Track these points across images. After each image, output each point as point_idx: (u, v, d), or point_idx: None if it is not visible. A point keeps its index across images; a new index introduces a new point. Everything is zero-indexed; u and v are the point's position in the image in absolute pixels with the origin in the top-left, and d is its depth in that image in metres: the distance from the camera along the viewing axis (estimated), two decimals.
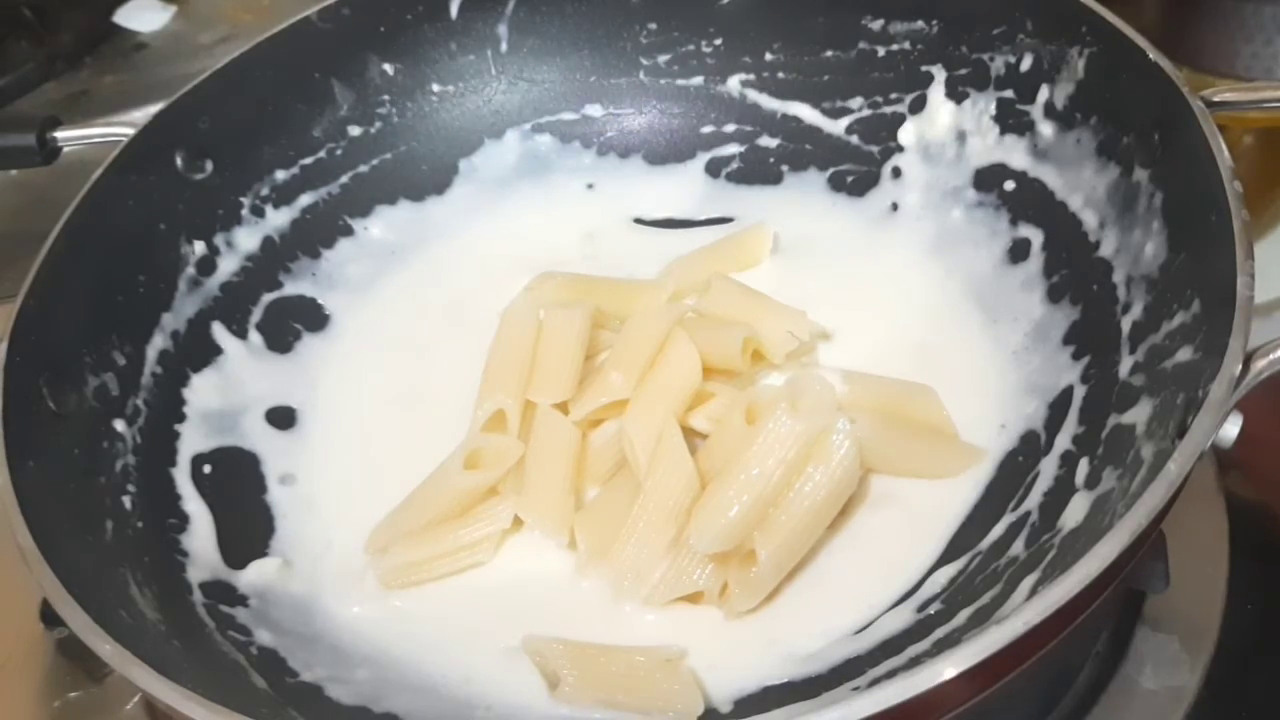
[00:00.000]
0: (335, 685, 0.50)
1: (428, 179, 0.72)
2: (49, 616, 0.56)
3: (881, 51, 0.67)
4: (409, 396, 0.63)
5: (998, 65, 0.63)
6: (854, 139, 0.69)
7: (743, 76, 0.71)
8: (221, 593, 0.53)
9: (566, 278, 0.64)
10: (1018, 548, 0.50)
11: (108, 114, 0.79)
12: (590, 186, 0.73)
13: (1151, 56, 0.53)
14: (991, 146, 0.64)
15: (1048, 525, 0.50)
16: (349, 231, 0.70)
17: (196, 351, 0.62)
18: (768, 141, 0.71)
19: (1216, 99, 0.51)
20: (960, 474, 0.54)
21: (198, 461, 0.59)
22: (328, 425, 0.63)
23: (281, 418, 0.62)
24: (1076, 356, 0.56)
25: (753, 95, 0.71)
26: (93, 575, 0.46)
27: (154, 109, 0.64)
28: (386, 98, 0.72)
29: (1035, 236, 0.61)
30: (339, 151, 0.70)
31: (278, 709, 0.48)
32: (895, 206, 0.67)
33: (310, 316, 0.67)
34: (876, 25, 0.67)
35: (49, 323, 0.54)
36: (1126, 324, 0.53)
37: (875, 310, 0.63)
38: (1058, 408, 0.55)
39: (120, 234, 0.60)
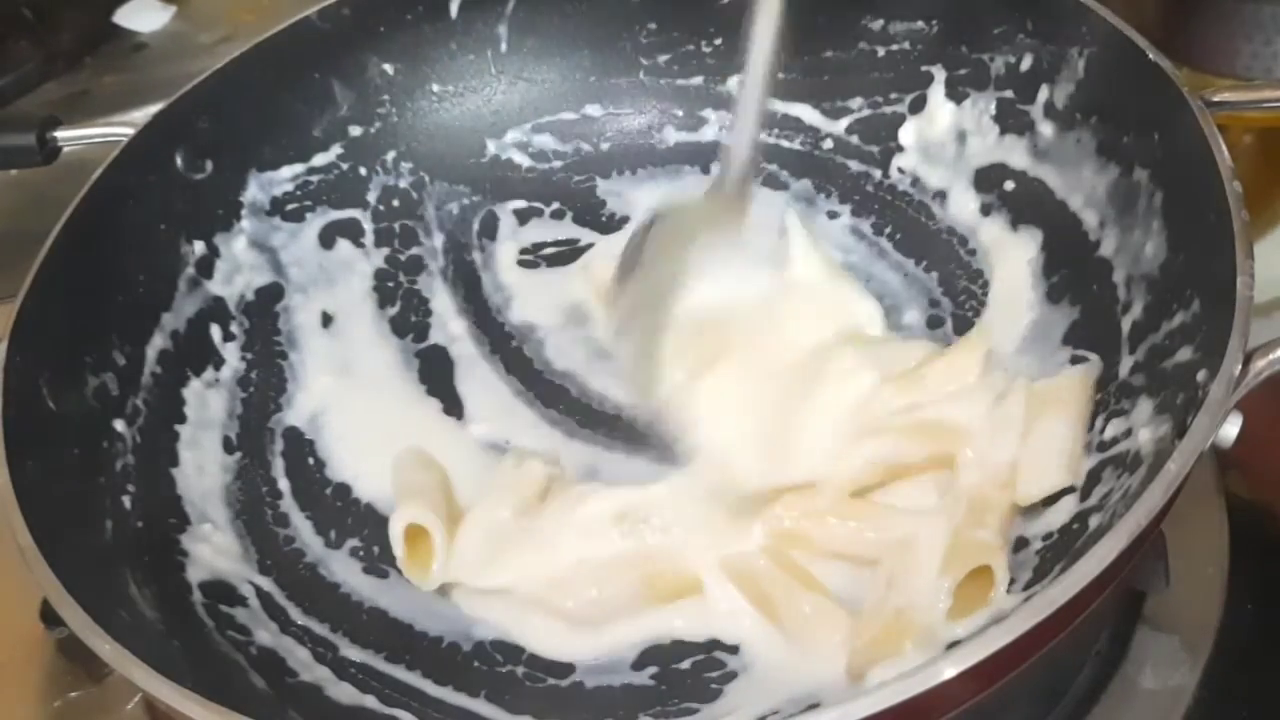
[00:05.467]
0: (334, 686, 0.50)
1: None
2: (49, 616, 0.56)
3: (881, 51, 0.67)
4: (411, 396, 0.63)
5: (998, 65, 0.63)
6: (854, 139, 0.69)
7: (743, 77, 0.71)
8: (221, 593, 0.53)
9: None
10: None
11: (108, 114, 0.79)
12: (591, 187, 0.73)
13: (1151, 56, 0.53)
14: (991, 146, 0.64)
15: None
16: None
17: (196, 352, 0.62)
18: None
19: (1216, 99, 0.51)
20: None
21: None
22: (329, 425, 0.62)
23: None
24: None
25: None
26: (93, 575, 0.46)
27: (154, 109, 0.64)
28: (386, 98, 0.72)
29: (1035, 236, 0.61)
30: (339, 151, 0.70)
31: (277, 709, 0.48)
32: None
33: None
34: (876, 25, 0.67)
35: (49, 323, 0.54)
36: (1126, 324, 0.53)
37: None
38: None
39: (120, 234, 0.60)
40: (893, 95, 0.68)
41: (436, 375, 0.64)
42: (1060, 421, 0.51)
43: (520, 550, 0.53)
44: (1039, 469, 0.50)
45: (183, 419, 0.60)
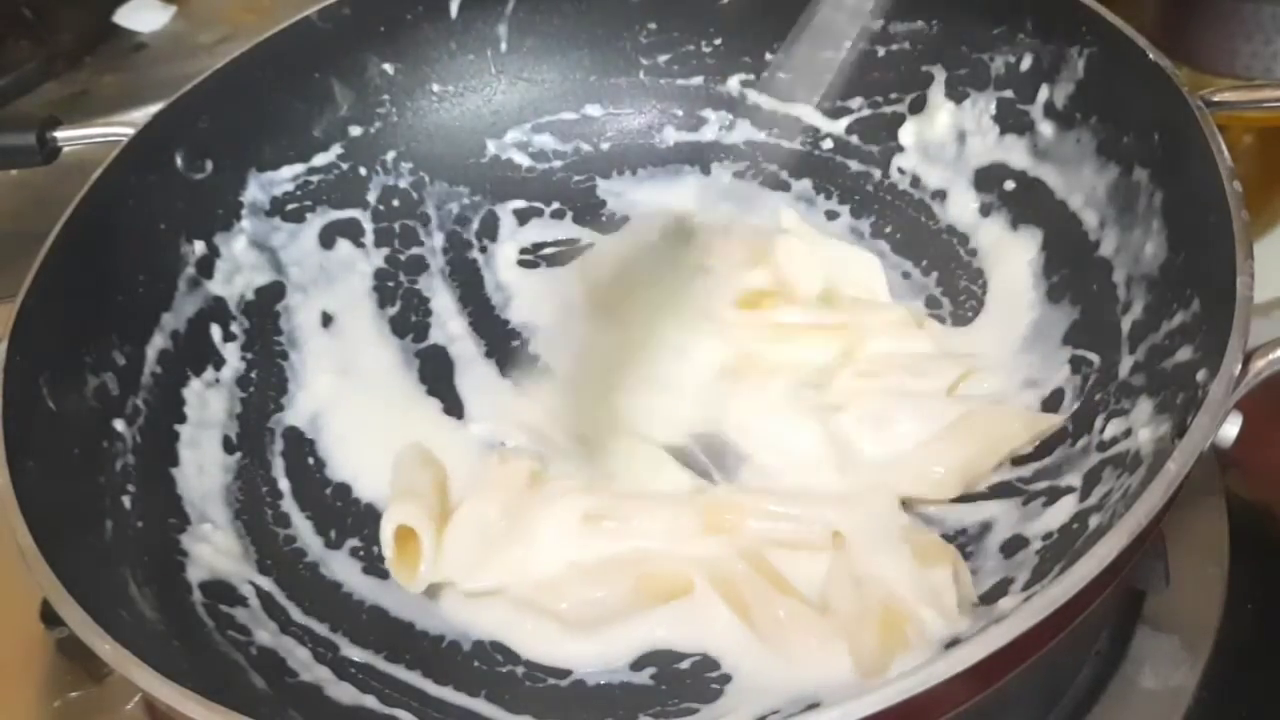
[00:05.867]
0: (334, 686, 0.50)
1: None
2: (49, 616, 0.56)
3: (881, 51, 0.67)
4: (411, 396, 0.63)
5: (998, 65, 0.63)
6: (854, 139, 0.69)
7: (743, 76, 0.72)
8: (221, 593, 0.53)
9: None
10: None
11: (108, 114, 0.79)
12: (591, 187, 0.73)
13: (1151, 56, 0.53)
14: (991, 146, 0.64)
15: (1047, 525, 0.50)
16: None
17: (196, 352, 0.62)
18: None
19: (1216, 99, 0.51)
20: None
21: None
22: (329, 425, 0.62)
23: None
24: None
25: (753, 95, 0.71)
26: (93, 575, 0.46)
27: (154, 109, 0.64)
28: (386, 98, 0.72)
29: (1035, 236, 0.61)
30: (339, 151, 0.70)
31: (277, 709, 0.48)
32: None
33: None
34: (876, 25, 0.67)
35: (49, 323, 0.54)
36: (1126, 324, 0.53)
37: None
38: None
39: (120, 234, 0.60)
40: (893, 95, 0.68)
41: (436, 375, 0.64)
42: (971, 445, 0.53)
43: (508, 548, 0.53)
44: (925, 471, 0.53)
45: (183, 419, 0.60)
